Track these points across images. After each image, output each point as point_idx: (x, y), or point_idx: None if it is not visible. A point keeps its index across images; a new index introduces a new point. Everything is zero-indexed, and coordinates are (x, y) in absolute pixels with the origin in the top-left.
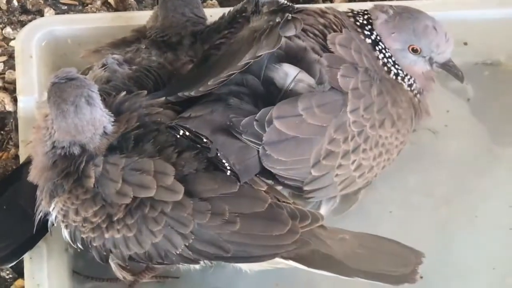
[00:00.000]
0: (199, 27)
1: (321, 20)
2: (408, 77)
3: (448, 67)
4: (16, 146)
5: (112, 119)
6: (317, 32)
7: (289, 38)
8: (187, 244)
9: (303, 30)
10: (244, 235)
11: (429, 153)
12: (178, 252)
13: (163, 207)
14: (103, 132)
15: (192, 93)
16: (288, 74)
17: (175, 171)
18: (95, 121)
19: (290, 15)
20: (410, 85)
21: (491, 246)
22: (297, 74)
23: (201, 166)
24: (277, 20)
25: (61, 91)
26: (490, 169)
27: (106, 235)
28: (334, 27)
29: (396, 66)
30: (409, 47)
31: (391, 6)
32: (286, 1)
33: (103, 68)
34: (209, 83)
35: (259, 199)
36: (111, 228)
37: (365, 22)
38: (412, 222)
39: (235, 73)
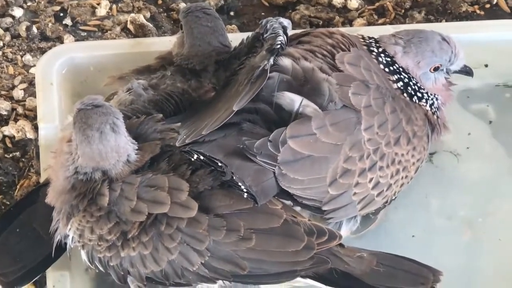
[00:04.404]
0: (223, 56)
1: (329, 41)
2: (432, 97)
3: (461, 70)
4: (37, 173)
5: (136, 147)
6: (325, 53)
7: (295, 60)
8: (203, 262)
9: (311, 51)
10: (260, 252)
11: (451, 176)
12: (194, 269)
13: (178, 223)
14: (126, 159)
15: (187, 140)
16: (294, 100)
17: (189, 187)
18: (119, 148)
19: (268, 64)
20: (431, 105)
21: None
22: (302, 100)
23: (216, 183)
24: (263, 65)
25: (86, 117)
26: None
27: (122, 254)
28: (342, 46)
29: (421, 91)
30: (431, 68)
31: (394, 36)
32: (282, 41)
33: (128, 92)
34: (186, 140)
35: (274, 215)
36: (127, 246)
37: (382, 54)
38: (434, 246)
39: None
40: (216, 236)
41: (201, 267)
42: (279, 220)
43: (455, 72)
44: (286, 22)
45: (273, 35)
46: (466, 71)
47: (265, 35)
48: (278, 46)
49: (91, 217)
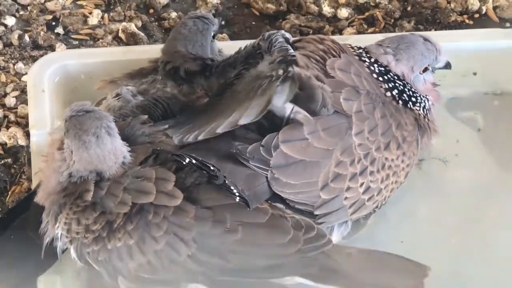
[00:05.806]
0: (189, 64)
1: (320, 46)
2: (424, 98)
3: (445, 65)
4: (29, 180)
5: (129, 149)
6: (318, 58)
7: (301, 68)
8: (189, 253)
9: (307, 56)
10: (246, 244)
11: (440, 182)
12: (181, 260)
13: (165, 212)
14: (122, 161)
15: (200, 137)
16: (285, 107)
17: (175, 179)
18: (116, 150)
19: (291, 71)
20: (424, 107)
21: (503, 275)
22: (293, 107)
23: (203, 179)
24: (279, 73)
25: (80, 123)
26: (501, 198)
27: (109, 246)
28: (333, 52)
29: (415, 95)
30: (421, 70)
31: (381, 45)
32: (293, 52)
33: (116, 98)
34: (199, 137)
35: (260, 211)
36: (113, 236)
37: (375, 64)
38: (423, 252)
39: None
40: (202, 227)
41: (188, 260)
42: (264, 216)
43: (439, 68)
44: (287, 34)
45: (284, 47)
46: (446, 65)
47: (272, 48)
48: (294, 57)
49: (77, 207)
